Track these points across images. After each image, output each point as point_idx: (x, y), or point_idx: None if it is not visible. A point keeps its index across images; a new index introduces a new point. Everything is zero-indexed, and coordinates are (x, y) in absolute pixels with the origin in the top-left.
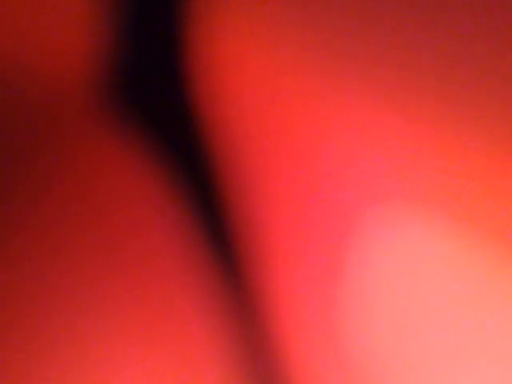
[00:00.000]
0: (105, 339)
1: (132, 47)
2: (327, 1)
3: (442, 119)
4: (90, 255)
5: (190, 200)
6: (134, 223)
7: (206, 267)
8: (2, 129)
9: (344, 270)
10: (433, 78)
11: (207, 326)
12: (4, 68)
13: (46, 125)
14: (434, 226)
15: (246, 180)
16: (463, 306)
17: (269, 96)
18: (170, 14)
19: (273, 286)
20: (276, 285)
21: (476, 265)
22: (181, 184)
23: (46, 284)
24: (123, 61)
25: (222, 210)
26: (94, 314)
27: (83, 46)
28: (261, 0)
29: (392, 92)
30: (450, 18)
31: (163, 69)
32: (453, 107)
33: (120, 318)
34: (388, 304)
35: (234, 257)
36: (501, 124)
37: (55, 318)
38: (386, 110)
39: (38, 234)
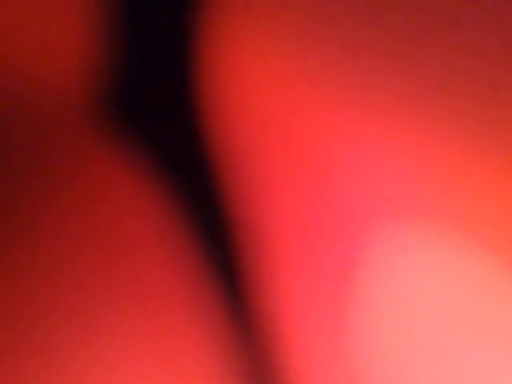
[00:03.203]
0: (99, 346)
1: (135, 54)
2: (333, 9)
3: (449, 130)
4: (87, 263)
5: (191, 207)
6: (133, 231)
7: (208, 276)
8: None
9: (350, 278)
10: (440, 89)
11: (206, 334)
12: (1, 75)
13: (44, 133)
14: (441, 237)
15: (250, 187)
16: (471, 316)
17: (274, 103)
18: (174, 19)
19: (276, 292)
20: (279, 291)
21: (484, 276)
22: (182, 192)
23: (42, 293)
24: (123, 66)
25: (224, 216)
26: (89, 322)
27: (82, 52)
28: (267, 6)
29: (399, 102)
30: (455, 25)
31: (166, 74)
32: (460, 118)
33: (113, 327)
34: (394, 312)
35: (236, 264)
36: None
37: (51, 328)
38: (394, 120)
39: (35, 243)
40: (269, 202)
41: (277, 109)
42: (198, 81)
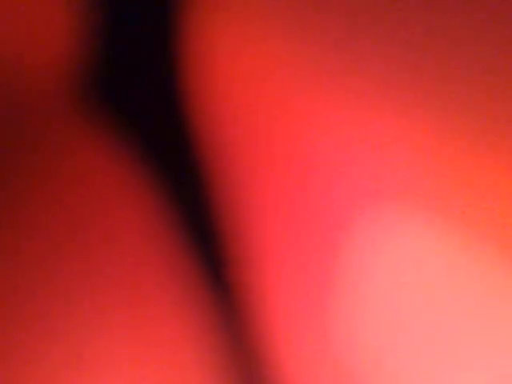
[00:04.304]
0: (85, 341)
1: (120, 45)
2: None
3: (437, 117)
4: (72, 251)
5: (176, 195)
6: (118, 224)
7: (192, 271)
8: None
9: (336, 271)
10: (429, 76)
11: (193, 333)
12: None
13: (29, 121)
14: (428, 225)
15: (236, 179)
16: (459, 307)
17: (260, 96)
18: (159, 9)
19: (263, 289)
20: (266, 288)
21: (472, 264)
22: (167, 179)
23: (26, 281)
24: (108, 54)
25: (210, 211)
26: (74, 316)
27: (68, 40)
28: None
29: (387, 89)
30: (449, 16)
31: (151, 62)
32: (449, 106)
33: (98, 315)
34: (381, 305)
35: (222, 260)
36: (501, 124)
37: (35, 316)
38: (381, 107)
39: (20, 231)
40: (255, 188)
41: (261, 98)
42: (182, 68)
